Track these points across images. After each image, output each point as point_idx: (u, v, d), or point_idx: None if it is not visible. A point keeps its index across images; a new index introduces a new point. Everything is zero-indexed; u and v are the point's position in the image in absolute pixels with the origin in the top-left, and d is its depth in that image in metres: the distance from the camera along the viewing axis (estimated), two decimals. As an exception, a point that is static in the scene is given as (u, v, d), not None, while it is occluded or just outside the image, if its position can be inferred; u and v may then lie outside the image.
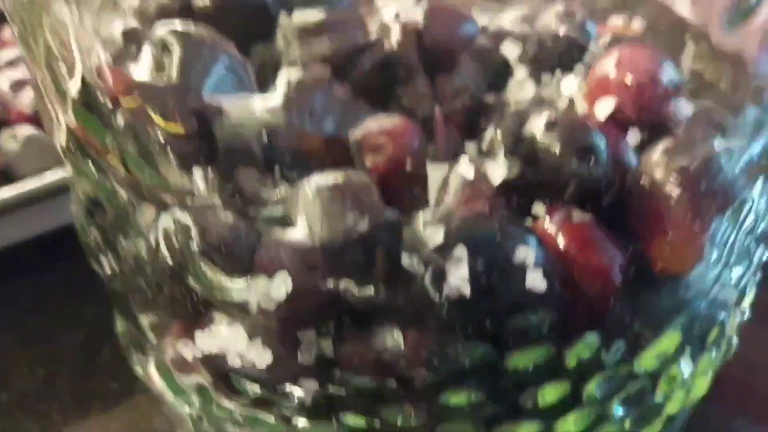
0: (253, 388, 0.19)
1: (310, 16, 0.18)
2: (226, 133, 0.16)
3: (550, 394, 0.18)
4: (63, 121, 0.19)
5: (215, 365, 0.19)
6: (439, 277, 0.16)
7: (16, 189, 0.31)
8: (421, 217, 0.16)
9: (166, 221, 0.17)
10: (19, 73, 0.39)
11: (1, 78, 0.37)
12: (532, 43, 0.22)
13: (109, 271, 0.20)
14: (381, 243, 0.15)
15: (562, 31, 0.21)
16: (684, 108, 0.19)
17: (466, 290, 0.16)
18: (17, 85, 0.37)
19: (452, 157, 0.19)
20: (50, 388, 0.30)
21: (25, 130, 0.33)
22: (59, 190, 0.32)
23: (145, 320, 0.21)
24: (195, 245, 0.17)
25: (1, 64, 0.40)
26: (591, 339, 0.17)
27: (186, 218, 0.17)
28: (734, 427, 0.28)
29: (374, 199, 0.16)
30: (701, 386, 0.22)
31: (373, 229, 0.15)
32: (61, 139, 0.19)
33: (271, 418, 0.19)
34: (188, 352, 0.19)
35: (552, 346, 0.17)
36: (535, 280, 0.16)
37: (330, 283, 0.16)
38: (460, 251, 0.16)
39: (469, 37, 0.21)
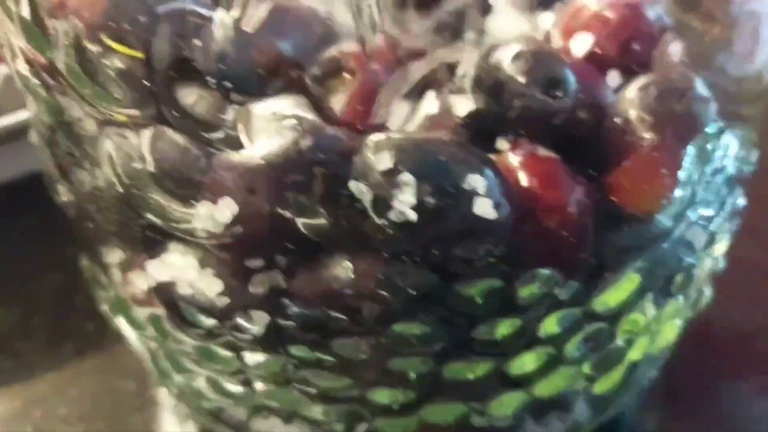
0: (205, 320, 0.19)
1: None
2: (175, 47, 0.15)
3: (502, 329, 0.18)
4: (16, 45, 0.18)
5: (166, 294, 0.18)
6: (384, 201, 0.15)
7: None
8: (372, 143, 0.16)
9: (114, 144, 0.17)
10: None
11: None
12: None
13: (65, 199, 0.20)
14: (322, 163, 0.15)
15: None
16: (673, 51, 0.19)
17: (411, 216, 0.15)
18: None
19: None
20: (26, 328, 0.30)
21: (5, 69, 0.33)
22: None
23: (103, 252, 0.21)
24: (144, 168, 0.16)
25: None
26: (544, 274, 0.17)
27: (135, 140, 0.17)
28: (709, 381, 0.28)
29: (317, 121, 0.15)
30: (668, 335, 0.22)
31: (314, 146, 0.15)
32: (17, 65, 0.19)
33: (224, 352, 0.19)
34: (141, 281, 0.19)
35: (501, 279, 0.17)
36: (484, 208, 0.16)
37: (275, 207, 0.16)
38: (406, 176, 0.15)
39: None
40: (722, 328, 0.29)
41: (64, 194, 0.20)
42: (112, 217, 0.18)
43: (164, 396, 0.27)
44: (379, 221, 0.15)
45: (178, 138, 0.16)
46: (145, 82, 0.15)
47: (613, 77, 0.18)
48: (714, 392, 0.28)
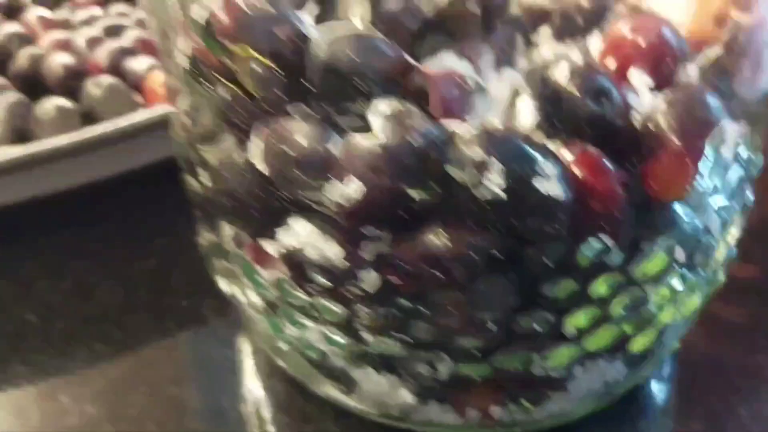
0: (323, 279, 0.23)
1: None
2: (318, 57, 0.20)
3: (562, 287, 0.22)
4: (183, 48, 0.23)
5: (293, 258, 0.23)
6: (476, 182, 0.20)
7: (100, 129, 0.35)
8: (467, 135, 0.20)
9: (265, 131, 0.21)
10: (94, 30, 0.43)
11: (78, 35, 0.42)
12: (558, 15, 0.27)
13: (203, 180, 0.25)
14: (428, 150, 0.20)
15: (585, 3, 0.26)
16: (691, 71, 0.23)
17: (501, 194, 0.20)
18: (93, 42, 0.42)
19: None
20: (129, 305, 0.35)
21: (108, 80, 0.38)
22: (136, 132, 0.36)
23: (228, 226, 0.25)
24: (286, 151, 0.21)
25: (76, 24, 0.45)
26: (595, 244, 0.22)
27: (282, 127, 0.21)
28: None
29: (426, 121, 0.20)
30: (691, 304, 0.26)
31: (426, 140, 0.20)
32: (178, 58, 0.24)
33: (337, 307, 0.24)
34: (271, 248, 0.24)
35: (564, 246, 0.21)
36: (555, 189, 0.20)
37: (393, 183, 0.20)
38: (496, 164, 0.20)
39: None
40: (733, 316, 0.34)
41: (203, 177, 0.25)
42: (254, 191, 0.23)
43: (252, 362, 0.32)
44: (474, 194, 0.20)
45: (319, 126, 0.21)
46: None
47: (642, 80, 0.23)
48: (725, 370, 0.32)
